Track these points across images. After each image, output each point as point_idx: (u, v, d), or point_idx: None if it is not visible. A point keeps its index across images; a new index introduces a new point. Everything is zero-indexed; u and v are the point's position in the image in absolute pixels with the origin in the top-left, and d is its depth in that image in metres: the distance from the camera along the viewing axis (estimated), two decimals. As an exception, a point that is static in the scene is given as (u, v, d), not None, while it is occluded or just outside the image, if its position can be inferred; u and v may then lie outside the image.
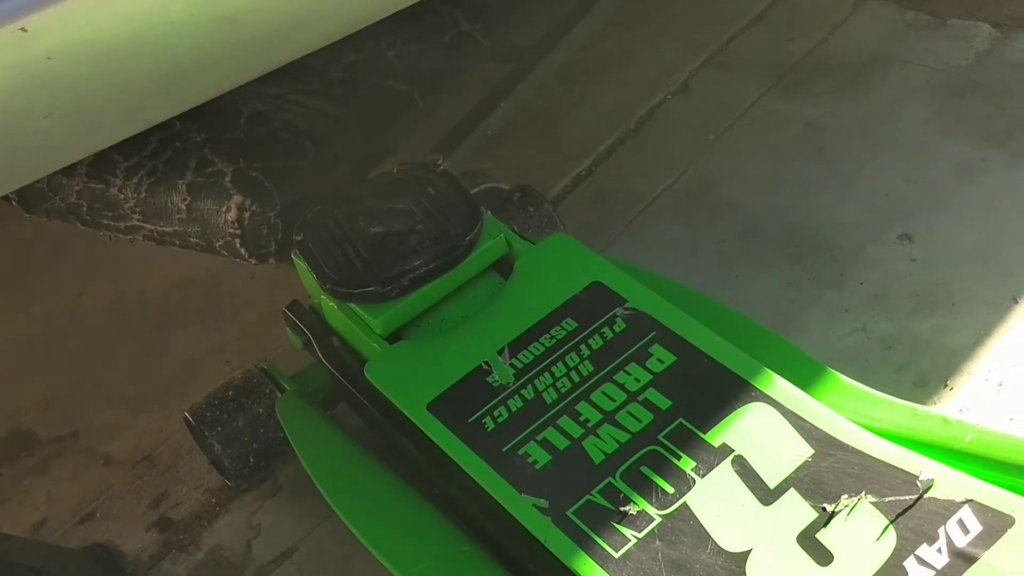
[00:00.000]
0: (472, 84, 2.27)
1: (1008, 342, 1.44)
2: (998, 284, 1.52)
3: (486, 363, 1.26)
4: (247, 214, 1.48)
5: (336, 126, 1.68)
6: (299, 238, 1.42)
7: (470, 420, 1.21)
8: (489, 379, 1.24)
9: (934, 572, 0.98)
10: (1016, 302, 1.49)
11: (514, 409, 1.21)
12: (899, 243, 1.63)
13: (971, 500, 1.01)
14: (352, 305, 1.38)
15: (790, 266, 1.66)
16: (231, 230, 1.49)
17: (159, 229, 1.55)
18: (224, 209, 1.47)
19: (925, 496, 1.03)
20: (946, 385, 1.42)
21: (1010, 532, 0.99)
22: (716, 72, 2.13)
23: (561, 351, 1.25)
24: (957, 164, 1.73)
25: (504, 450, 1.17)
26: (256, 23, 0.94)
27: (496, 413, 1.21)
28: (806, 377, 1.23)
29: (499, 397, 1.22)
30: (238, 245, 1.51)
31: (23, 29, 0.77)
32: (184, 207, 1.49)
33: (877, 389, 1.43)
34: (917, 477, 1.04)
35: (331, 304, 1.42)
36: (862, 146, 1.83)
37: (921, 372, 1.45)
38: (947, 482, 1.03)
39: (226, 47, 0.94)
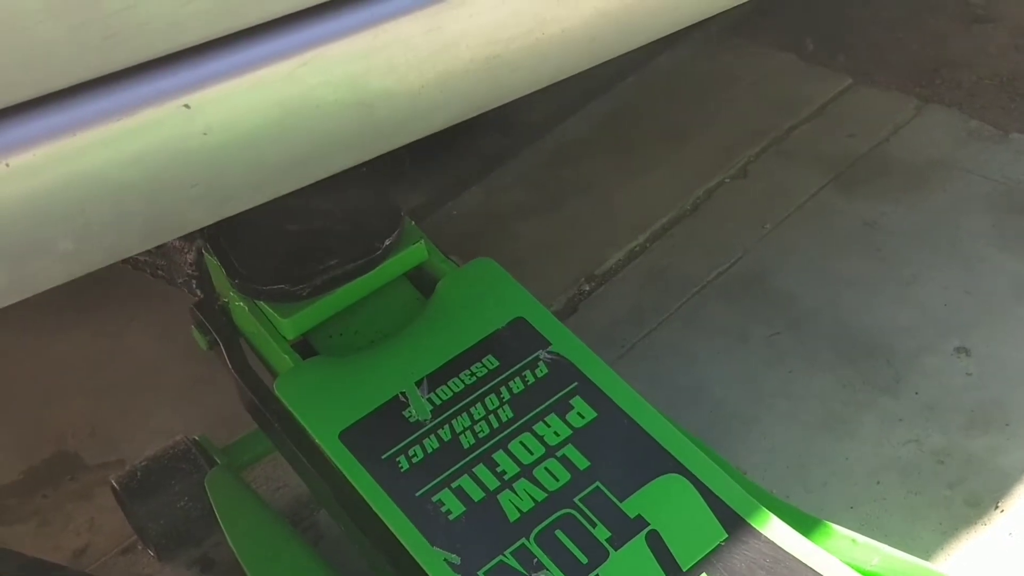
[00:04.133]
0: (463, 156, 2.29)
1: (1061, 469, 1.46)
2: (1052, 408, 1.54)
3: (403, 394, 1.21)
4: (215, 296, 1.47)
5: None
6: (210, 232, 1.34)
7: (383, 456, 1.16)
8: (405, 412, 1.20)
9: None
10: (1070, 429, 1.51)
11: (430, 450, 1.17)
12: (956, 355, 1.65)
13: None
14: (261, 304, 1.31)
15: (844, 366, 1.68)
16: (189, 271, 1.49)
17: (136, 256, 1.55)
18: (186, 250, 1.46)
19: None
20: (997, 507, 1.43)
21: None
22: (775, 160, 2.16)
23: (481, 391, 1.22)
24: (1014, 281, 1.76)
25: (417, 495, 1.13)
26: (388, 108, 0.97)
27: (411, 452, 1.16)
28: None
29: (415, 435, 1.18)
30: (194, 285, 1.51)
31: (187, 106, 0.80)
32: None
33: (928, 504, 1.46)
34: None
35: (239, 303, 1.35)
36: (920, 251, 1.86)
37: (972, 491, 1.46)
38: None
39: (359, 129, 0.96)
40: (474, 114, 1.13)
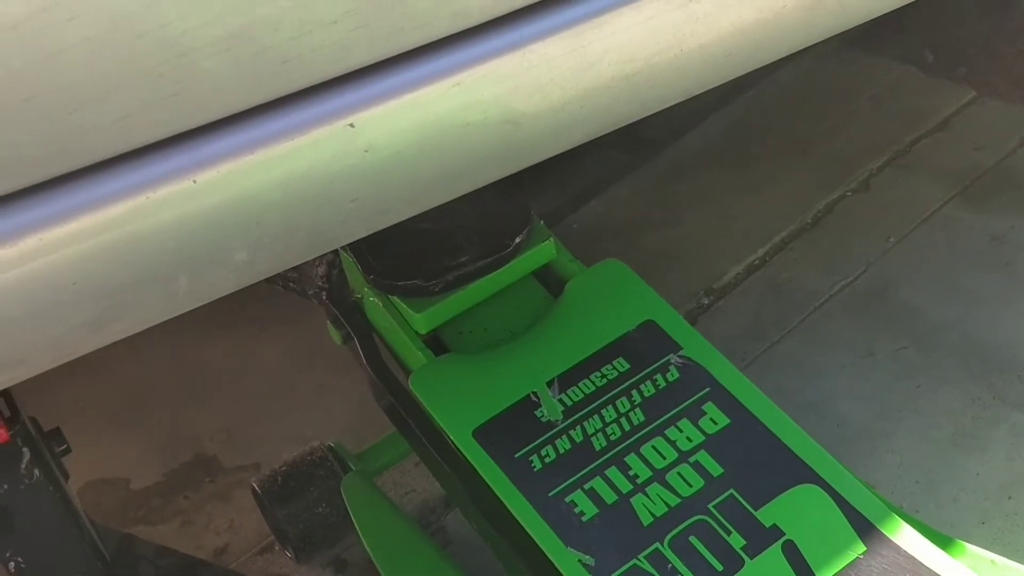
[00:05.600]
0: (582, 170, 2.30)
1: None
2: None
3: (534, 394, 1.23)
4: (335, 271, 1.51)
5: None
6: None
7: (517, 455, 1.17)
8: (537, 412, 1.21)
9: None
10: None
11: (562, 450, 1.18)
12: (1091, 372, 1.62)
13: None
14: (394, 299, 1.34)
15: (973, 381, 1.66)
16: (319, 283, 1.53)
17: None
18: (316, 263, 1.50)
19: None
20: None
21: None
22: (898, 173, 2.14)
23: (611, 393, 1.22)
24: None
25: (550, 495, 1.14)
26: (533, 124, 1.01)
27: (543, 452, 1.18)
28: None
29: (547, 435, 1.19)
30: (324, 297, 1.55)
31: (351, 125, 0.85)
32: None
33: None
34: None
35: (373, 299, 1.39)
36: (1051, 266, 1.82)
37: (1110, 508, 1.43)
38: None
39: (505, 145, 1.00)
40: (612, 129, 1.17)
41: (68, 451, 1.21)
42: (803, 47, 1.16)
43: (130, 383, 1.99)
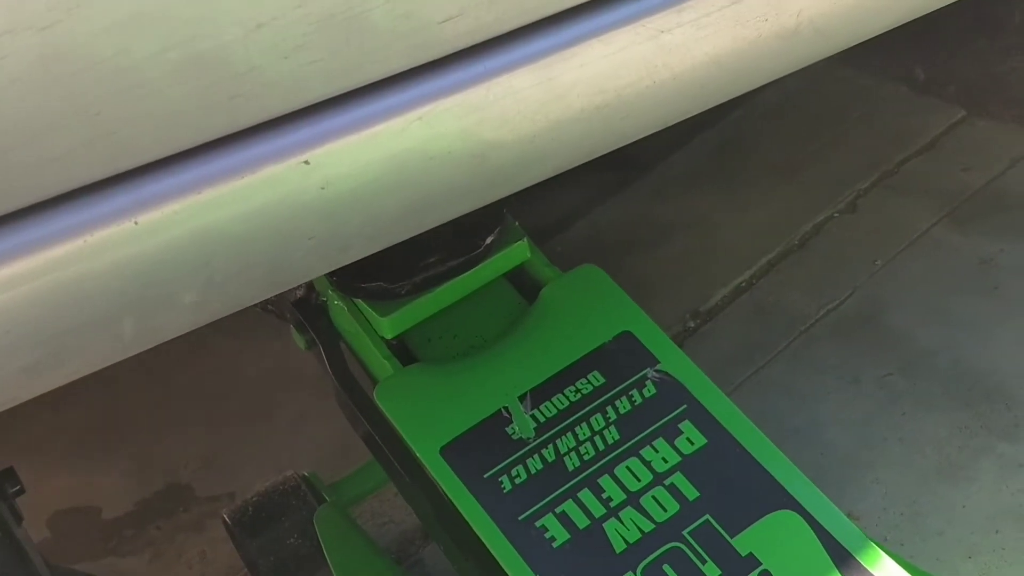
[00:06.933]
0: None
1: None
2: None
3: (506, 409, 1.18)
4: (314, 295, 1.48)
5: None
6: None
7: (486, 475, 1.13)
8: (508, 429, 1.16)
9: None
10: None
11: (533, 471, 1.13)
12: (1080, 401, 1.59)
13: None
14: (359, 302, 1.30)
15: (960, 410, 1.63)
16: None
17: None
18: (296, 287, 1.44)
19: None
20: None
21: None
22: (886, 194, 2.11)
23: (586, 409, 1.17)
24: None
25: (520, 518, 1.10)
26: (501, 158, 0.98)
27: (514, 472, 1.13)
28: None
29: (518, 453, 1.14)
30: (301, 319, 1.51)
31: (306, 162, 0.82)
32: None
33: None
34: None
35: (338, 302, 1.34)
36: (1040, 290, 1.80)
37: (1100, 543, 1.40)
38: None
39: (472, 179, 0.97)
40: (586, 159, 1.14)
41: (21, 492, 1.18)
42: (781, 75, 1.13)
43: (104, 408, 1.96)
